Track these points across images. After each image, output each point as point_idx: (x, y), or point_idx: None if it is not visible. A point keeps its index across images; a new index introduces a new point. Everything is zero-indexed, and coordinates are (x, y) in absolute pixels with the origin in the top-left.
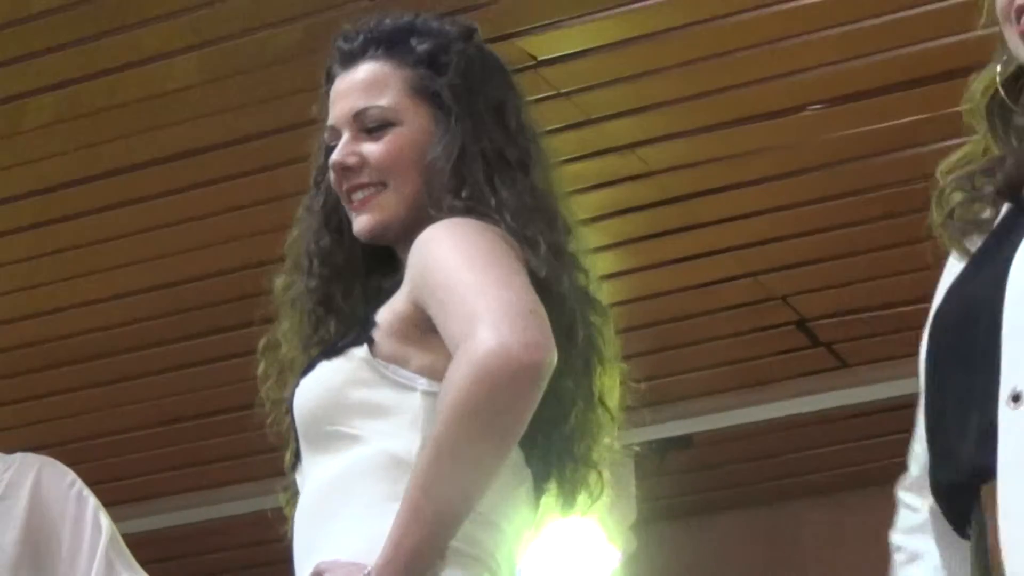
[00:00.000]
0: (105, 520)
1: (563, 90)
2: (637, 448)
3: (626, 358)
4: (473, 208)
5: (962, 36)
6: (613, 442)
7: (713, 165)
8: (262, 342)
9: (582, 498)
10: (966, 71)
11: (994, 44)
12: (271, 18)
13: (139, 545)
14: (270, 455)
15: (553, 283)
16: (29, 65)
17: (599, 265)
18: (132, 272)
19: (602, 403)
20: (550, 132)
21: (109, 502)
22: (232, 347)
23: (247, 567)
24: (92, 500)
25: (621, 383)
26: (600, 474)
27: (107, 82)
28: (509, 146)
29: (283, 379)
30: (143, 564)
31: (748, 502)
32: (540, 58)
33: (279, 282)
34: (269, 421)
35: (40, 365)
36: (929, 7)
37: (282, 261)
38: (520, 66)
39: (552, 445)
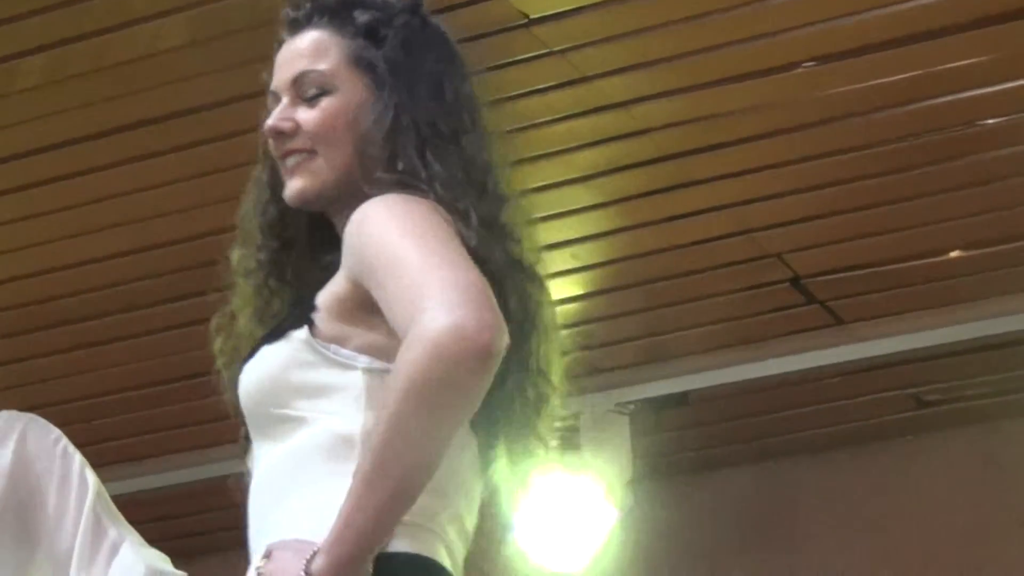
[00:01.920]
0: (91, 476)
1: (556, 48)
2: (632, 406)
3: (621, 316)
4: (404, 181)
5: None
6: (556, 411)
7: (707, 122)
8: (214, 319)
9: (527, 465)
10: (959, 28)
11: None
12: None
13: (124, 507)
14: None
15: (484, 254)
16: (16, 27)
17: (565, 230)
18: (117, 234)
19: (540, 372)
20: (543, 90)
21: (94, 464)
22: (214, 310)
23: (231, 528)
24: (78, 457)
25: (563, 353)
26: (545, 443)
27: (94, 43)
28: (443, 118)
29: (238, 354)
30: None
31: (743, 459)
32: (532, 16)
33: (233, 255)
34: (227, 397)
35: (25, 328)
36: None
37: None
38: (512, 24)
39: (492, 412)
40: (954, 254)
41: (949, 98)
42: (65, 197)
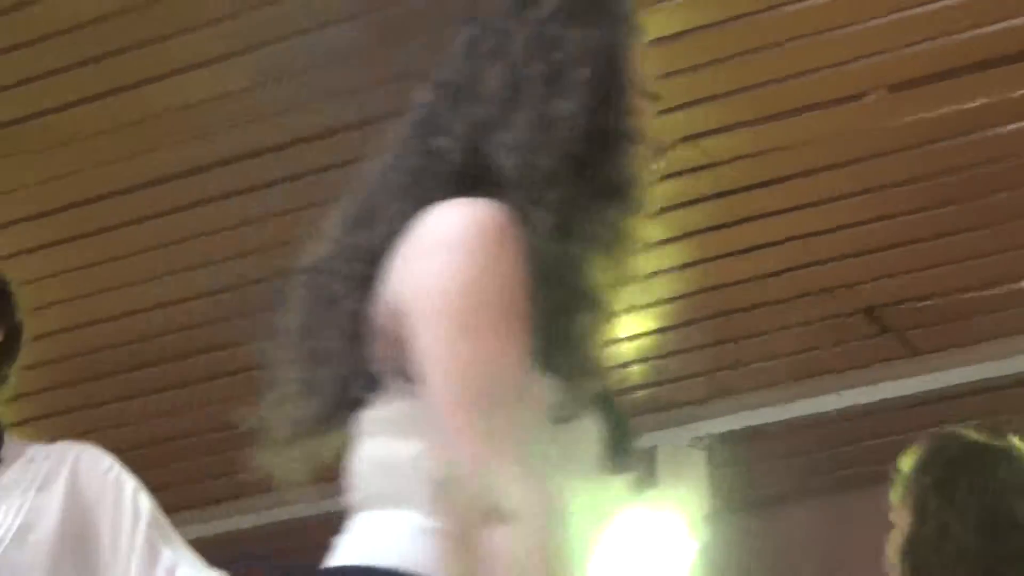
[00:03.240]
0: (145, 501)
1: None
2: (708, 439)
3: (694, 349)
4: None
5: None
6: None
7: (774, 154)
8: None
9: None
10: None
11: None
12: (323, 17)
13: (205, 550)
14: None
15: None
16: (75, 75)
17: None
18: (187, 277)
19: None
20: None
21: (175, 508)
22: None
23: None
24: (131, 483)
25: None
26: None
27: (161, 86)
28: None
29: None
30: None
31: (821, 491)
32: None
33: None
34: None
35: (95, 373)
36: None
37: None
38: None
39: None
40: None
41: (1018, 125)
42: (133, 242)
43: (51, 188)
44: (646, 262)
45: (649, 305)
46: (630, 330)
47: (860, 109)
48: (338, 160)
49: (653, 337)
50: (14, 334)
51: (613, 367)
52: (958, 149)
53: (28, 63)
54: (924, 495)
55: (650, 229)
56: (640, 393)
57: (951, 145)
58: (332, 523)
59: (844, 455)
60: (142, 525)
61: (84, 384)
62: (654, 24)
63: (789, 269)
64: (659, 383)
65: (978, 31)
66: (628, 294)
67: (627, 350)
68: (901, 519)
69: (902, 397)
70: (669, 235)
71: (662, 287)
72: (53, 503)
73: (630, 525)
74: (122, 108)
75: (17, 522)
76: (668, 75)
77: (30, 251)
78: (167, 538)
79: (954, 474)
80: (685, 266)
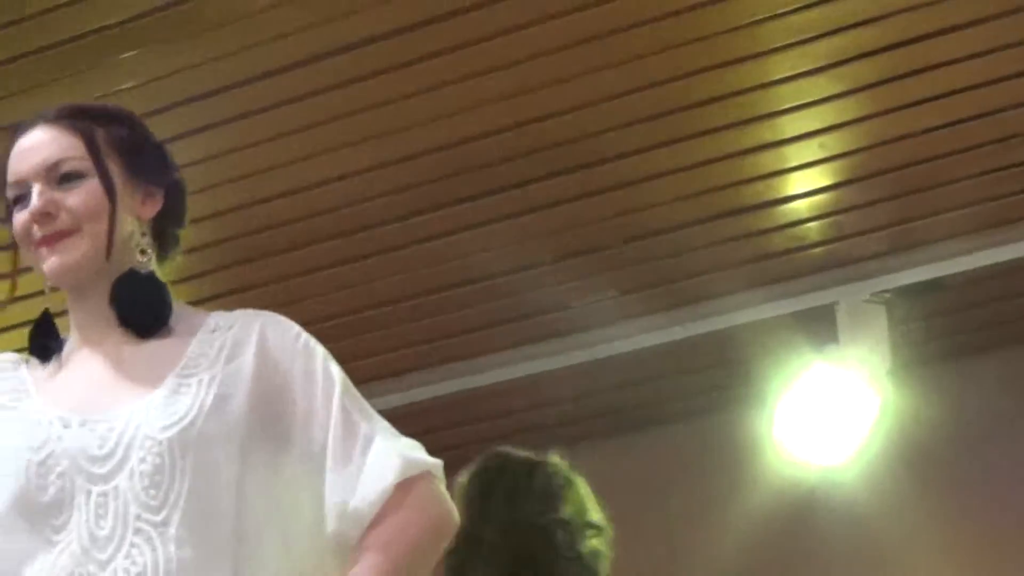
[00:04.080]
0: (336, 369)
1: None
2: (888, 294)
3: (871, 204)
4: None
5: None
6: None
7: (944, 5)
8: None
9: None
10: None
11: None
12: None
13: (395, 420)
14: (521, 322)
15: None
16: None
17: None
18: (376, 146)
19: None
20: None
21: (364, 379)
22: (480, 216)
23: (504, 436)
24: (320, 350)
25: None
26: None
27: None
28: None
29: None
30: None
31: (1005, 342)
32: None
33: None
34: None
35: (283, 247)
36: None
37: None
38: None
39: None
40: None
41: None
42: (336, 106)
43: (218, 67)
44: (821, 117)
45: (825, 160)
46: (806, 187)
47: None
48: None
49: (831, 193)
50: (175, 193)
51: (789, 224)
52: None
53: None
54: (470, 503)
55: (823, 84)
56: (818, 250)
57: None
58: (524, 390)
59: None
60: (335, 393)
61: (260, 261)
62: None
63: (963, 120)
64: (838, 239)
65: None
66: (804, 151)
67: (803, 207)
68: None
69: None
70: (843, 89)
71: (837, 142)
72: (244, 372)
73: (813, 383)
74: None
75: (212, 393)
76: None
77: (198, 131)
78: (361, 408)
79: (492, 484)
80: (860, 120)
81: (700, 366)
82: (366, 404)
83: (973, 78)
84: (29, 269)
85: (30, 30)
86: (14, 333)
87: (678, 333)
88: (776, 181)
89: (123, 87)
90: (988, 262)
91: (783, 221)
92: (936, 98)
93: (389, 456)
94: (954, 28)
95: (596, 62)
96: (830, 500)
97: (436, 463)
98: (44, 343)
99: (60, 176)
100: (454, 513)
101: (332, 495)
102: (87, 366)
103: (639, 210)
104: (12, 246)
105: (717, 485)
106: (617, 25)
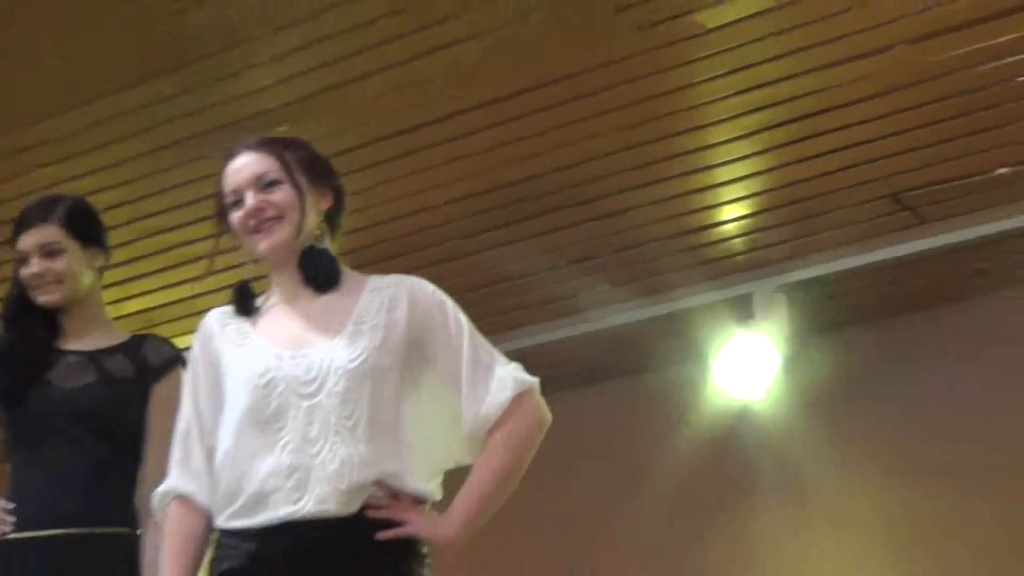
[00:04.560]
0: (463, 317)
1: (724, 48)
2: (788, 287)
3: (779, 225)
4: None
5: None
6: None
7: (836, 89)
8: None
9: None
10: None
11: None
12: None
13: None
14: (539, 308)
15: None
16: None
17: None
18: (458, 185)
19: None
20: (715, 78)
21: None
22: (520, 232)
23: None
24: (450, 303)
25: None
26: None
27: None
28: None
29: None
30: None
31: (869, 319)
32: (710, 26)
33: None
34: None
35: (394, 254)
36: None
37: (566, 169)
38: (697, 33)
39: None
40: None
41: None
42: (418, 163)
43: (341, 134)
44: (745, 167)
45: (747, 197)
46: (733, 215)
47: (888, 58)
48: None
49: (750, 219)
50: (339, 193)
51: (722, 240)
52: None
53: None
54: None
55: (747, 145)
56: (741, 257)
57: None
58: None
59: (887, 293)
60: (465, 335)
61: (373, 265)
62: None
63: (844, 168)
64: (754, 250)
65: None
66: (732, 190)
67: (732, 228)
68: None
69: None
70: (760, 149)
71: (756, 184)
72: (400, 321)
73: (737, 346)
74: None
75: (379, 337)
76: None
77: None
78: (482, 343)
79: None
80: (771, 169)
81: (660, 335)
82: (484, 340)
83: (855, 138)
84: (222, 252)
85: (206, 113)
86: (210, 297)
87: (647, 314)
88: (713, 211)
89: None
90: (859, 264)
91: (717, 238)
92: (824, 154)
93: (506, 378)
94: (841, 105)
95: (591, 132)
96: (750, 427)
97: (536, 380)
98: (246, 302)
99: (264, 184)
100: (548, 416)
101: (468, 406)
102: (288, 316)
103: (622, 231)
104: (217, 235)
105: (670, 418)
106: (605, 108)
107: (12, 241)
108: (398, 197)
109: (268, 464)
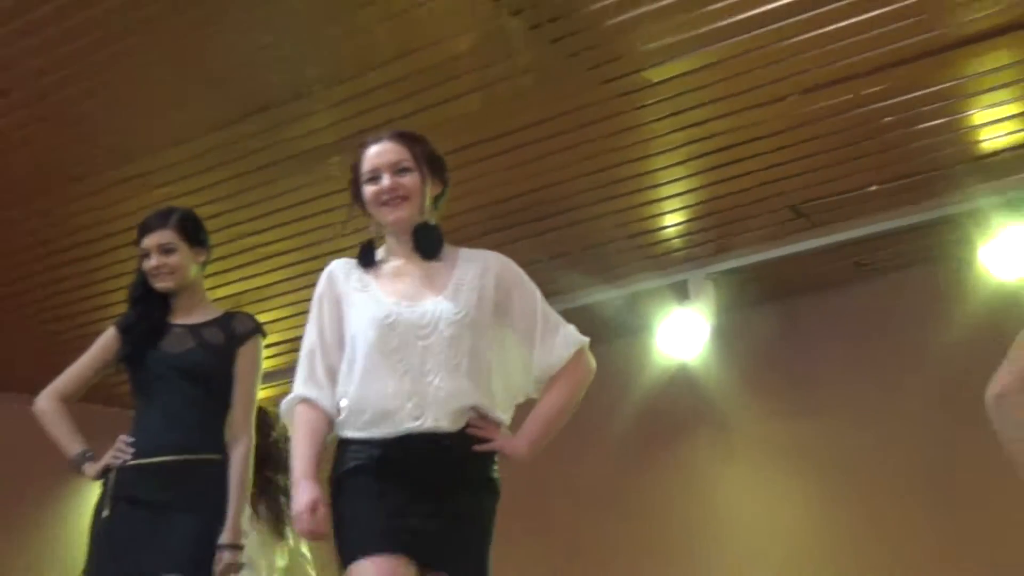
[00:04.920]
0: (534, 286)
1: (667, 96)
2: (714, 275)
3: (706, 230)
4: None
5: None
6: None
7: (747, 128)
8: None
9: None
10: None
11: None
12: None
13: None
14: None
15: None
16: None
17: None
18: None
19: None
20: (656, 120)
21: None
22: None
23: None
24: (524, 275)
25: None
26: None
27: None
28: None
29: None
30: None
31: (777, 298)
32: (655, 80)
33: None
34: None
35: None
36: None
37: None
38: (643, 86)
39: None
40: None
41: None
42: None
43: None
44: (681, 187)
45: (684, 208)
46: (675, 222)
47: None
48: None
49: (686, 225)
50: (446, 184)
51: (665, 240)
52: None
53: None
54: None
55: (680, 171)
56: (680, 252)
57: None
58: None
59: (788, 279)
60: (537, 301)
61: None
62: None
63: (750, 188)
64: (689, 247)
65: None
66: (674, 203)
67: (671, 232)
68: None
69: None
70: (689, 173)
71: (692, 199)
72: (489, 286)
73: (676, 320)
74: None
75: (474, 296)
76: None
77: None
78: (549, 308)
79: None
80: (697, 188)
81: (618, 312)
82: (549, 306)
83: (763, 164)
84: (353, 218)
85: (278, 147)
86: (278, 285)
87: (608, 296)
88: (657, 219)
89: (331, 192)
90: (767, 257)
91: (661, 239)
92: (740, 176)
93: (569, 336)
94: (752, 140)
95: (565, 161)
96: (686, 382)
97: (587, 340)
98: (369, 258)
99: (398, 169)
100: (594, 366)
101: (539, 356)
102: (401, 275)
103: (588, 234)
104: (351, 205)
105: (626, 376)
106: (575, 142)
107: (137, 241)
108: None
109: (392, 388)
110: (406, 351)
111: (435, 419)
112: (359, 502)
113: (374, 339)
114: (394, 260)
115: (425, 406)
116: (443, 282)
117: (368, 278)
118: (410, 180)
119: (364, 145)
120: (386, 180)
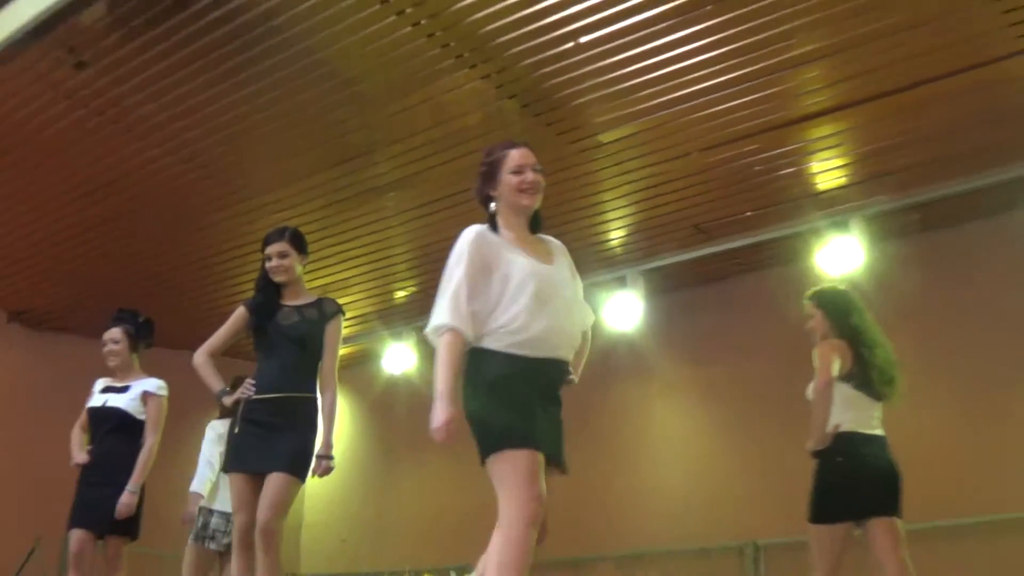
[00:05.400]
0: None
1: (613, 152)
2: (644, 271)
3: (638, 238)
4: None
5: None
6: None
7: (682, 161)
8: None
9: None
10: None
11: None
12: None
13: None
14: None
15: None
16: None
17: None
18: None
19: None
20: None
21: None
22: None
23: None
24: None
25: None
26: None
27: None
28: None
29: None
30: None
31: (699, 284)
32: (604, 140)
33: None
34: None
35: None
36: None
37: None
38: (592, 145)
39: None
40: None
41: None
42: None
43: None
44: (613, 209)
45: (617, 218)
46: (619, 234)
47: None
48: None
49: (622, 231)
50: None
51: (607, 242)
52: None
53: None
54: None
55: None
56: (620, 254)
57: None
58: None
59: (693, 275)
60: (577, 278)
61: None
62: None
63: (666, 213)
64: (628, 252)
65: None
66: (617, 219)
67: (615, 242)
68: None
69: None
70: (620, 195)
71: (624, 221)
72: (569, 262)
73: (619, 300)
74: None
75: (569, 267)
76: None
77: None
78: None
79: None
80: (629, 204)
81: None
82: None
83: (677, 198)
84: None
85: (352, 186)
86: (350, 280)
87: None
88: (605, 234)
89: (387, 216)
90: (679, 260)
91: (609, 247)
92: (661, 206)
93: (589, 308)
94: (669, 180)
95: (548, 196)
96: (624, 345)
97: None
98: (496, 228)
99: (536, 168)
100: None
101: (582, 317)
102: (524, 245)
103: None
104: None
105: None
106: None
107: (262, 249)
108: (454, 225)
109: (543, 324)
110: (553, 300)
111: (566, 352)
112: (511, 402)
113: (534, 288)
114: (508, 232)
115: (563, 341)
116: (548, 255)
117: (504, 242)
118: (542, 178)
119: (506, 146)
120: (530, 175)
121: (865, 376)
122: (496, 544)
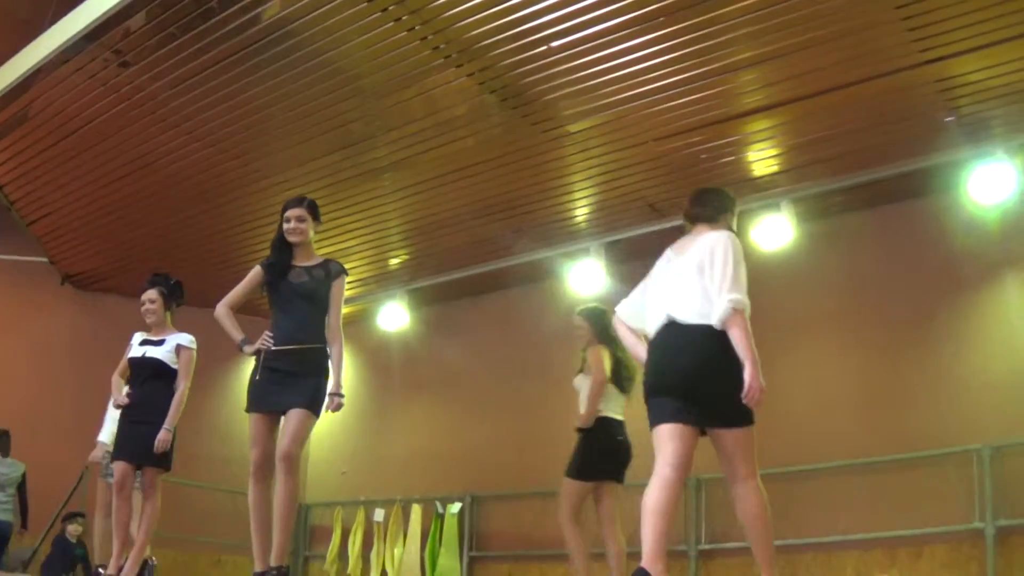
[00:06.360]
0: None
1: (581, 141)
2: (612, 244)
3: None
4: None
5: None
6: None
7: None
8: None
9: None
10: None
11: None
12: None
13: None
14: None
15: None
16: None
17: None
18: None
19: None
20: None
21: None
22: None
23: None
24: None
25: None
26: None
27: None
28: None
29: None
30: None
31: (639, 258)
32: (572, 130)
33: None
34: None
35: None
36: None
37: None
38: (562, 135)
39: None
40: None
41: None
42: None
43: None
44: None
45: (577, 208)
46: (584, 216)
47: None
48: None
49: (591, 216)
50: None
51: (571, 222)
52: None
53: None
54: None
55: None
56: (585, 230)
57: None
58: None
59: (646, 245)
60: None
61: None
62: None
63: (631, 192)
64: (592, 227)
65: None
66: (576, 217)
67: (581, 221)
68: None
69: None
70: (591, 188)
71: (587, 202)
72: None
73: (580, 270)
74: None
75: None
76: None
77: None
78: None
79: None
80: (596, 195)
81: (547, 264)
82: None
83: (633, 180)
84: None
85: (353, 168)
86: (351, 248)
87: (542, 256)
88: (571, 213)
89: (384, 194)
90: (635, 234)
91: (576, 222)
92: (620, 187)
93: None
94: (628, 166)
95: (516, 182)
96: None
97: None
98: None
99: None
100: None
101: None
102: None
103: (535, 222)
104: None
105: (544, 303)
106: (521, 168)
107: (282, 213)
108: (442, 202)
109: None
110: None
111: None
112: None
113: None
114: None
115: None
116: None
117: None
118: None
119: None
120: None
121: (619, 374)
122: (755, 493)
